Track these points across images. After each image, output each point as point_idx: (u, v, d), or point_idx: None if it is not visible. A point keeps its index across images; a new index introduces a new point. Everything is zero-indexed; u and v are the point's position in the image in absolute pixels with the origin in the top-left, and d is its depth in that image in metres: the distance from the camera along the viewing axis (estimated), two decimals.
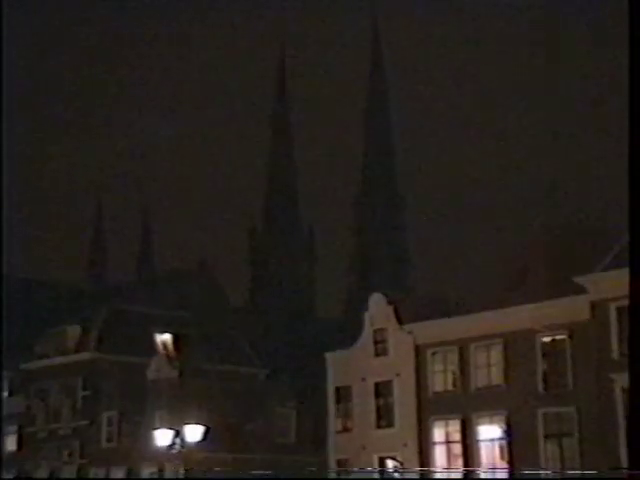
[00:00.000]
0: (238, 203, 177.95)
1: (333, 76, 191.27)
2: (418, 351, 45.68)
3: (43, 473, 62.68)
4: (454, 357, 44.26)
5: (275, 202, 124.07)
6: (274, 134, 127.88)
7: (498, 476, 41.48)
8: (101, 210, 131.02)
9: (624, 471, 30.14)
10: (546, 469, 38.76)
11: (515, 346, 42.08)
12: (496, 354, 42.96)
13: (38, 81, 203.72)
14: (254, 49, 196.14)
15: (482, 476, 41.59)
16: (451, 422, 43.83)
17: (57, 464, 62.14)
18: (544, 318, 40.81)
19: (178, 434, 39.99)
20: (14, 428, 65.33)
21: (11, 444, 65.47)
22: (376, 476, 45.27)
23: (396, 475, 44.92)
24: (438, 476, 43.30)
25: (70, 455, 61.48)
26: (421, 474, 43.44)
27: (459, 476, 42.65)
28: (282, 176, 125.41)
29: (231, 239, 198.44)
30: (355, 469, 44.68)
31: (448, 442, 43.93)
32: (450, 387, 44.51)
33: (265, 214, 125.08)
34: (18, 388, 66.01)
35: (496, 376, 42.89)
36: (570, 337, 40.26)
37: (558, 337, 40.69)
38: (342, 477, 47.04)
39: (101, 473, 59.25)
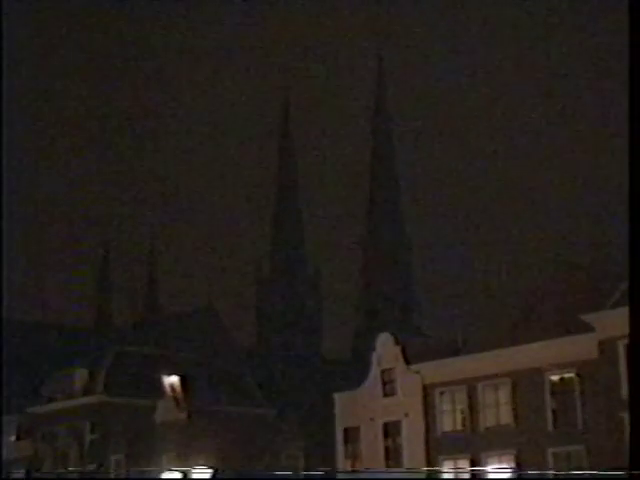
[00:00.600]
0: (244, 244, 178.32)
1: (336, 118, 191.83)
2: (426, 391, 45.59)
3: None
4: (462, 396, 44.17)
5: (281, 243, 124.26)
6: (280, 172, 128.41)
7: (504, 476, 41.26)
8: (107, 252, 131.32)
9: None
10: (551, 469, 38.58)
11: (523, 385, 41.99)
12: (504, 393, 42.88)
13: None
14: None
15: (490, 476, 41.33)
16: (460, 462, 43.65)
17: None
18: (552, 357, 40.78)
19: (186, 477, 39.92)
20: (21, 473, 64.99)
21: None
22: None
23: None
24: (445, 476, 43.06)
25: None
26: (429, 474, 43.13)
27: (466, 476, 42.46)
28: (288, 217, 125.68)
29: (237, 280, 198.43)
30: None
31: None
32: (459, 427, 44.39)
33: (271, 255, 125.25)
34: (25, 432, 65.79)
35: (505, 415, 42.78)
36: (579, 375, 40.18)
37: (566, 375, 40.63)
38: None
39: None
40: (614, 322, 38.18)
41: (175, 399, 57.95)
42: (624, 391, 38.11)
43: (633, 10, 22.65)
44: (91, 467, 60.63)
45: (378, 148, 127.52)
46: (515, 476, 39.92)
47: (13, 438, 66.93)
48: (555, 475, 38.18)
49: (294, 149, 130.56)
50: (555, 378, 41.06)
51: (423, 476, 43.87)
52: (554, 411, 41.03)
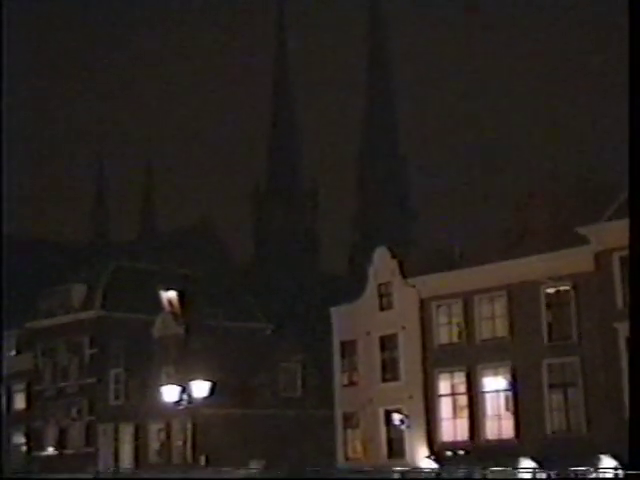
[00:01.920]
0: (241, 160, 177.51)
1: (334, 32, 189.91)
2: (423, 304, 45.83)
3: (52, 431, 63.17)
4: (458, 310, 44.43)
5: (277, 158, 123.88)
6: (275, 90, 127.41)
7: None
8: (103, 168, 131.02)
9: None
10: (548, 470, 38.84)
11: (519, 298, 42.22)
12: (500, 306, 43.13)
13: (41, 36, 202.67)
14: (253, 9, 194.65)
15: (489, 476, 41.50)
16: (456, 374, 44.09)
17: (65, 422, 62.62)
18: (548, 270, 40.92)
19: (185, 390, 40.22)
20: (22, 386, 65.73)
21: (20, 402, 65.92)
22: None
23: (403, 427, 45.21)
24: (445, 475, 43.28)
25: (78, 412, 61.93)
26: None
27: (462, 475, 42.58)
28: (284, 132, 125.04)
29: (234, 196, 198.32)
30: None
31: (454, 394, 44.24)
32: (455, 339, 44.72)
33: (267, 171, 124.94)
34: (25, 346, 66.30)
35: (501, 328, 43.08)
36: (574, 288, 40.38)
37: (562, 288, 40.83)
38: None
39: (109, 429, 59.69)
40: (610, 234, 38.27)
41: (173, 314, 58.25)
42: (619, 303, 38.35)
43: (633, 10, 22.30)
44: (90, 381, 61.22)
45: (374, 59, 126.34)
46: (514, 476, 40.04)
47: (13, 352, 67.50)
48: (555, 475, 38.43)
49: (289, 62, 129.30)
50: (551, 291, 41.24)
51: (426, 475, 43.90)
52: (549, 323, 41.30)
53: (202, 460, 53.83)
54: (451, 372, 44.33)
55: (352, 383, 48.46)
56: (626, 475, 24.63)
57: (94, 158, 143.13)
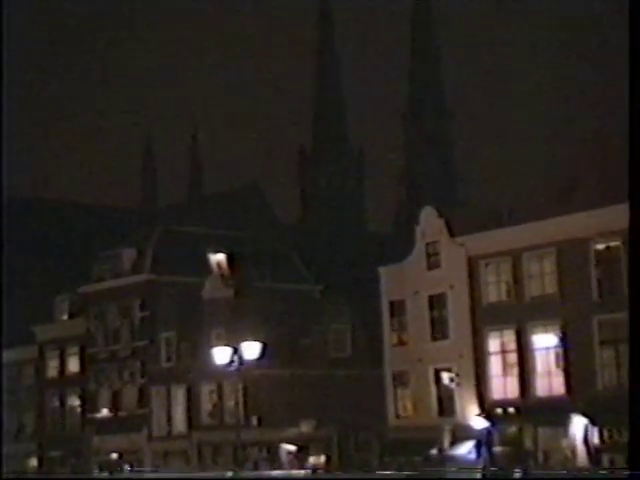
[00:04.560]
0: (286, 122, 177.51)
1: None
2: (471, 263, 45.66)
3: (105, 393, 63.98)
4: (507, 267, 44.22)
5: (323, 120, 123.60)
6: (320, 53, 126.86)
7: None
8: (150, 132, 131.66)
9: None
10: (549, 471, 38.66)
11: (569, 255, 41.92)
12: (550, 263, 42.86)
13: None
14: None
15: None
16: (506, 332, 43.97)
17: (118, 384, 63.38)
18: (597, 226, 40.56)
19: (236, 352, 40.51)
20: (75, 350, 66.58)
21: (73, 365, 66.78)
22: None
23: (452, 385, 45.27)
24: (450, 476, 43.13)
25: (131, 375, 62.63)
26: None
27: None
28: (329, 94, 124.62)
29: (280, 158, 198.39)
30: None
31: (503, 352, 44.14)
32: (504, 297, 44.55)
33: (313, 132, 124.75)
34: (78, 311, 67.07)
35: (550, 285, 42.84)
36: (624, 244, 39.98)
37: (612, 244, 40.44)
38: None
39: (162, 391, 60.33)
40: None
41: (222, 276, 58.58)
42: None
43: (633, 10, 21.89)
44: (142, 343, 61.83)
45: (419, 15, 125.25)
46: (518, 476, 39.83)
47: (65, 317, 68.33)
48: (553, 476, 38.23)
49: (334, 21, 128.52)
50: (600, 247, 40.90)
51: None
52: (599, 280, 41.00)
53: (254, 421, 54.32)
54: (500, 330, 44.21)
55: (401, 342, 48.51)
56: (626, 475, 24.47)
57: (142, 123, 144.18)
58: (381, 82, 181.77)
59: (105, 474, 59.33)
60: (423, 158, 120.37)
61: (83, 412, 65.41)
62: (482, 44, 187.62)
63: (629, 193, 21.07)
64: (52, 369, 68.16)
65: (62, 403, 67.12)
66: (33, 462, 67.71)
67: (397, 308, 48.72)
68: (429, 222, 47.82)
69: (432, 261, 47.47)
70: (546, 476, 39.44)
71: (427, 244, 47.71)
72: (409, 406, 47.73)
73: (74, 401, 66.52)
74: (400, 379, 48.07)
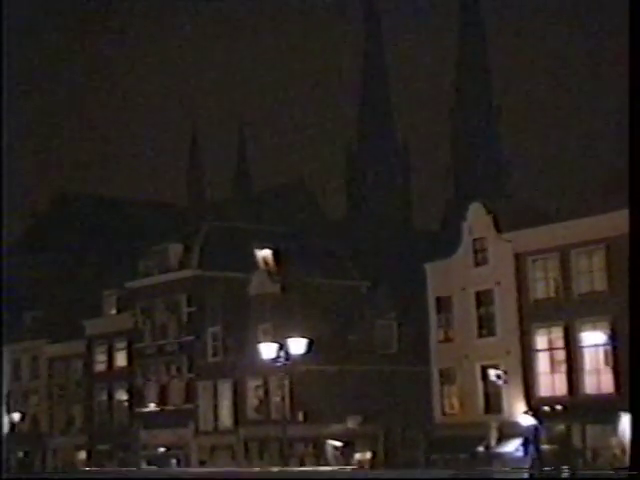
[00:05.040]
0: (333, 118, 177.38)
1: None
2: (518, 259, 45.35)
3: (152, 388, 64.40)
4: (555, 264, 43.87)
5: (369, 115, 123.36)
6: (367, 47, 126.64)
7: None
8: (197, 127, 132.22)
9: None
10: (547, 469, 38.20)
11: (618, 251, 41.44)
12: (598, 260, 42.45)
13: None
14: None
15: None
16: (554, 329, 43.63)
17: (165, 378, 63.75)
18: None
19: (282, 347, 40.55)
20: (123, 344, 67.09)
21: (121, 360, 67.31)
22: None
23: (499, 382, 45.00)
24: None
25: (178, 370, 62.97)
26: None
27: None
28: (376, 89, 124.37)
29: (327, 155, 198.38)
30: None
31: (551, 349, 43.80)
32: (552, 294, 44.19)
33: (360, 128, 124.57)
34: (125, 306, 67.57)
35: (599, 282, 42.43)
36: None
37: None
38: None
39: (209, 386, 60.61)
40: None
41: (268, 272, 58.70)
42: None
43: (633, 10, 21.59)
44: (189, 338, 62.13)
45: (467, 14, 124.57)
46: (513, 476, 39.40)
47: (114, 312, 68.88)
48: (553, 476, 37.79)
49: (380, 20, 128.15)
50: None
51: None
52: None
53: (300, 416, 54.38)
54: (548, 327, 43.86)
55: (448, 339, 48.32)
56: (626, 475, 24.12)
57: (188, 118, 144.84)
58: (428, 77, 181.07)
59: (153, 467, 59.70)
60: (470, 154, 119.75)
61: (131, 406, 65.93)
62: (530, 35, 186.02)
63: (629, 196, 20.88)
64: (100, 363, 68.77)
65: (110, 397, 67.74)
66: (82, 455, 68.39)
67: (443, 304, 48.53)
68: (476, 218, 47.57)
69: (479, 257, 47.24)
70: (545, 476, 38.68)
71: (474, 240, 47.47)
72: (455, 403, 47.54)
73: (122, 395, 67.08)
74: (446, 376, 47.89)
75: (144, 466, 60.93)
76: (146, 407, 64.40)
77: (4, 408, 70.84)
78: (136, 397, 65.37)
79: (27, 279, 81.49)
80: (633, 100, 20.70)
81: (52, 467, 69.03)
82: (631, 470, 21.63)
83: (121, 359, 67.38)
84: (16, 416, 70.34)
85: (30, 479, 64.41)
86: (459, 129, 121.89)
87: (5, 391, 72.36)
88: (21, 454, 72.05)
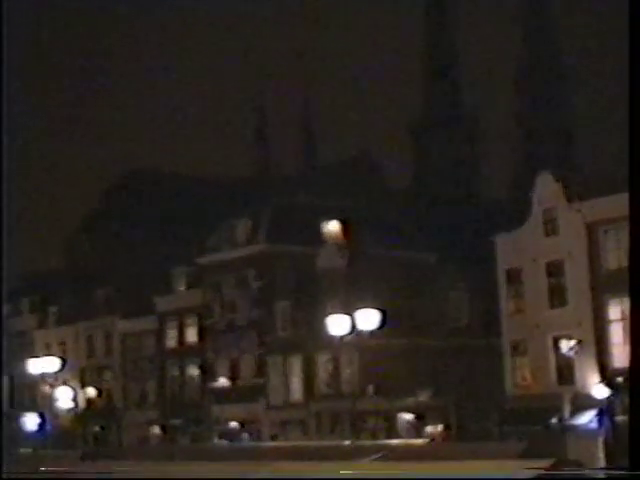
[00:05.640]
0: (400, 90, 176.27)
1: None
2: (589, 229, 44.71)
3: (223, 363, 64.82)
4: (627, 234, 43.06)
5: (435, 86, 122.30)
6: (432, 19, 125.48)
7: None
8: (263, 102, 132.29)
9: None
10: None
11: None
12: None
13: None
14: None
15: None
16: (627, 299, 42.92)
17: (236, 354, 64.11)
18: None
19: (351, 321, 40.43)
20: (194, 320, 67.61)
21: (192, 335, 67.86)
22: None
23: (572, 354, 44.49)
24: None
25: (248, 345, 63.24)
26: None
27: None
28: (441, 60, 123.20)
29: (392, 126, 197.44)
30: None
31: (624, 319, 43.16)
32: (624, 264, 43.43)
33: (425, 99, 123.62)
34: (195, 282, 68.00)
35: None
36: None
37: None
38: None
39: (279, 360, 60.83)
40: None
41: (337, 245, 58.60)
42: None
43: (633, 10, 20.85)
44: (258, 313, 62.37)
45: None
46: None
47: (183, 288, 69.39)
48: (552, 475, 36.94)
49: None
50: None
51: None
52: None
53: (370, 390, 54.37)
54: (622, 298, 43.20)
55: (518, 311, 47.91)
56: (626, 475, 23.48)
57: (254, 93, 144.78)
58: (494, 48, 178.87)
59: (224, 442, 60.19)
60: (538, 124, 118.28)
61: (202, 381, 66.48)
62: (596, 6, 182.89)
63: (630, 187, 20.33)
64: (171, 339, 69.43)
65: (182, 372, 68.40)
66: (155, 430, 69.21)
67: (514, 276, 48.10)
68: (545, 188, 46.97)
69: (549, 228, 46.70)
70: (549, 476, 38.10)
71: (544, 210, 46.90)
72: (527, 375, 47.19)
73: (193, 370, 67.66)
74: (518, 347, 47.51)
75: (215, 440, 61.47)
76: (217, 382, 64.87)
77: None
78: (207, 372, 65.88)
79: (99, 256, 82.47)
80: (633, 96, 20.22)
81: (126, 441, 70.00)
82: (631, 470, 21.19)
83: (192, 335, 67.93)
84: (91, 391, 71.44)
85: (30, 479, 65.36)
86: (527, 99, 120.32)
87: (78, 366, 73.51)
88: (97, 428, 73.15)
